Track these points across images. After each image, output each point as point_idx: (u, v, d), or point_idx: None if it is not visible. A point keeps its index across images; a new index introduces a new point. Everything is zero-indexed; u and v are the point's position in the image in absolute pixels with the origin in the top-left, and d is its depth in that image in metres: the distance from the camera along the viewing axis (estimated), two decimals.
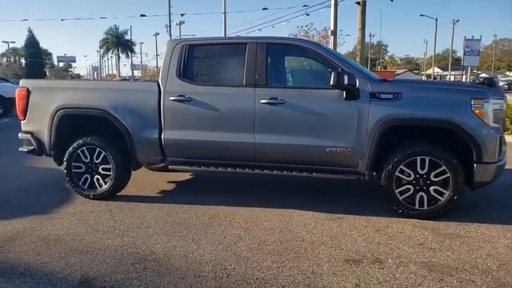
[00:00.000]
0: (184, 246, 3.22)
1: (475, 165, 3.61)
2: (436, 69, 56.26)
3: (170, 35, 40.50)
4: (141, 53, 64.02)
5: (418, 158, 3.70)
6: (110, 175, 4.39)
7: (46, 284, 2.63)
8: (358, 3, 15.85)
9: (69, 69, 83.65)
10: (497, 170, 3.69)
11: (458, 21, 45.11)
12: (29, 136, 4.59)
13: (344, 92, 3.78)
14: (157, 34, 50.29)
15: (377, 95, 3.75)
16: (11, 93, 15.74)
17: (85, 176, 4.48)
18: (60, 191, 4.82)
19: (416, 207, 3.77)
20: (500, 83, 42.93)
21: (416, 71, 67.53)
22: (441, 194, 3.71)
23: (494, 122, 3.63)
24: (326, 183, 5.04)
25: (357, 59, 15.22)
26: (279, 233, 3.49)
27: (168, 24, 40.35)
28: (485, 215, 3.91)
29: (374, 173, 3.93)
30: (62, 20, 28.08)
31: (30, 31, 51.85)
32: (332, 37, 14.93)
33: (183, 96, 4.14)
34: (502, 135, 3.75)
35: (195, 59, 4.29)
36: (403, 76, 47.31)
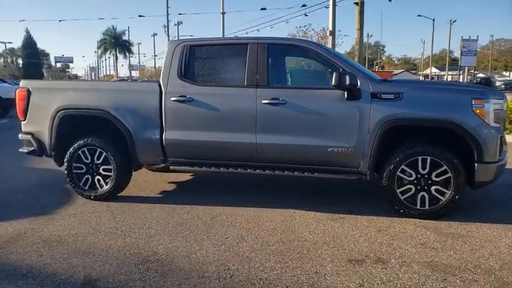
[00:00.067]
0: (186, 246, 3.21)
1: (476, 165, 3.63)
2: (434, 69, 56.51)
3: (168, 36, 40.51)
4: (138, 53, 63.95)
5: (420, 157, 3.71)
6: (110, 176, 4.38)
7: (49, 285, 2.62)
8: (356, 3, 15.88)
9: (67, 70, 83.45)
10: (498, 170, 3.70)
11: (455, 21, 45.31)
12: (29, 137, 4.57)
13: (345, 92, 3.79)
14: (155, 35, 50.49)
15: (378, 95, 3.76)
16: (9, 93, 15.69)
17: (86, 176, 4.46)
18: (60, 192, 4.81)
19: (418, 207, 3.78)
20: (497, 83, 43.10)
21: (413, 71, 67.75)
22: (442, 193, 3.72)
23: (495, 121, 3.64)
24: (327, 183, 5.05)
25: (355, 59, 15.25)
26: (281, 233, 3.49)
27: (166, 25, 40.38)
28: (486, 214, 3.93)
29: (375, 174, 3.94)
30: (60, 21, 27.90)
31: (27, 31, 51.78)
32: (330, 37, 14.96)
33: (184, 96, 4.14)
34: (503, 135, 3.77)
35: (196, 60, 4.29)
36: (401, 76, 47.42)
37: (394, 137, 3.82)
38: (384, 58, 79.98)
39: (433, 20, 44.11)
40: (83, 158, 4.43)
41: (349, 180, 4.06)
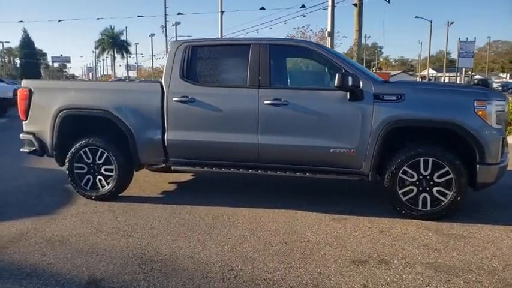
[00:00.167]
0: (189, 247, 3.21)
1: (478, 166, 3.64)
2: (431, 71, 56.68)
3: (166, 36, 40.46)
4: (136, 53, 63.67)
5: (422, 159, 3.72)
6: (112, 176, 4.38)
7: (53, 285, 2.62)
8: (355, 4, 15.92)
9: (64, 70, 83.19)
10: (499, 171, 3.72)
11: (452, 23, 45.45)
12: (30, 137, 4.55)
13: (348, 93, 3.80)
14: (153, 35, 50.07)
15: (380, 96, 3.77)
16: (7, 93, 15.62)
17: (87, 176, 4.45)
18: (61, 192, 4.79)
19: (420, 208, 3.79)
20: (494, 85, 43.30)
21: (411, 73, 67.94)
22: (444, 195, 3.73)
23: (496, 123, 3.66)
24: (328, 184, 5.05)
25: (354, 60, 15.27)
26: (284, 233, 3.50)
27: (164, 25, 40.33)
28: (487, 216, 3.95)
29: (377, 175, 3.95)
30: (59, 21, 27.68)
31: (25, 31, 51.62)
32: (329, 38, 14.97)
33: (187, 97, 4.14)
34: (505, 136, 3.79)
35: (198, 60, 4.29)
36: (398, 77, 47.60)
37: (396, 138, 3.83)
38: (381, 59, 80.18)
39: (431, 22, 44.30)
40: (85, 158, 4.42)
41: (350, 181, 4.08)
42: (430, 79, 49.96)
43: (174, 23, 37.99)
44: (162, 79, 4.30)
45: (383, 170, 3.87)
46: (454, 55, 50.97)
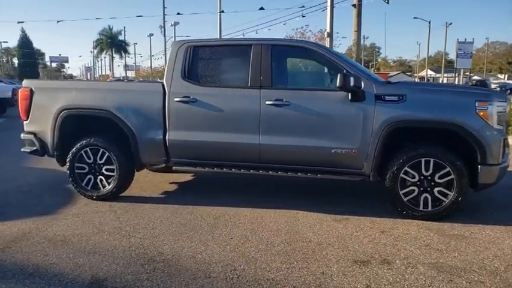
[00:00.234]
0: (192, 247, 3.22)
1: (479, 167, 3.66)
2: (429, 72, 56.78)
3: (164, 36, 40.43)
4: (134, 53, 63.63)
5: (423, 159, 3.74)
6: (113, 176, 4.37)
7: (56, 284, 2.62)
8: (354, 5, 15.95)
9: (62, 70, 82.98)
10: (500, 172, 3.73)
11: (451, 24, 45.64)
12: (31, 136, 4.55)
13: (349, 94, 3.81)
14: (151, 35, 49.99)
15: (382, 96, 3.78)
16: (5, 93, 15.57)
17: (88, 176, 4.45)
18: (61, 192, 4.79)
19: (421, 208, 3.80)
20: (492, 86, 43.42)
21: (409, 73, 68.06)
22: (445, 195, 3.75)
23: (498, 124, 3.68)
24: (328, 184, 5.06)
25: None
26: (285, 234, 3.50)
27: (163, 25, 40.30)
28: (488, 216, 3.96)
29: (378, 175, 3.96)
30: (58, 21, 27.61)
31: (23, 31, 51.51)
32: (328, 39, 14.99)
33: (188, 97, 4.14)
34: (506, 137, 3.80)
35: (199, 60, 4.30)
36: (396, 78, 47.62)
37: (398, 138, 3.85)
38: (379, 60, 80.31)
39: (429, 22, 44.42)
40: (86, 158, 4.42)
41: (351, 181, 4.09)
42: (428, 80, 50.06)
43: (172, 23, 37.99)
44: (163, 79, 4.30)
45: (384, 170, 3.88)
46: (452, 56, 51.14)
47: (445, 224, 3.71)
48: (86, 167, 4.44)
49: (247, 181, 5.31)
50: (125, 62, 60.58)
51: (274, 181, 5.21)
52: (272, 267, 2.87)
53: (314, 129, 3.93)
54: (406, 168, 3.78)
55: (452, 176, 3.69)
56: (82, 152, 4.41)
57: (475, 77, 51.88)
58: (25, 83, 4.65)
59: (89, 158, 4.42)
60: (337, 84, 3.69)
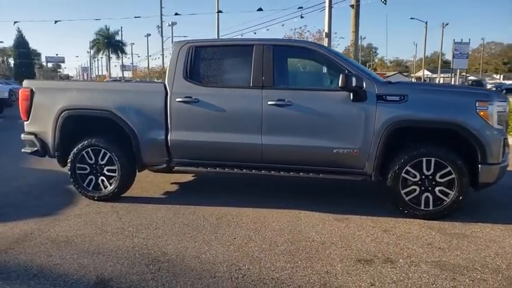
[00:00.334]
0: (195, 247, 3.22)
1: (479, 166, 3.69)
2: (426, 72, 57.04)
3: (162, 36, 40.42)
4: (132, 53, 63.37)
5: (424, 159, 3.76)
6: (115, 176, 4.37)
7: (62, 285, 2.62)
8: (352, 6, 16.02)
9: (58, 70, 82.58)
10: (500, 171, 3.77)
11: (447, 24, 45.85)
12: (32, 137, 4.54)
13: (351, 94, 3.83)
14: (148, 35, 50.03)
15: (383, 96, 3.81)
16: (2, 94, 15.50)
17: (90, 177, 4.44)
18: (62, 193, 4.78)
19: (422, 207, 3.83)
20: (488, 86, 43.68)
21: (405, 74, 68.33)
22: (446, 194, 3.77)
23: (498, 124, 3.71)
24: (329, 184, 5.09)
25: None
26: (288, 233, 3.52)
27: (160, 25, 40.26)
28: (488, 215, 3.99)
29: (379, 175, 3.98)
30: (56, 22, 27.48)
31: (19, 31, 51.19)
32: (326, 39, 15.04)
33: (190, 97, 4.15)
34: (506, 136, 3.84)
35: (201, 61, 4.31)
36: (393, 78, 47.79)
37: (399, 138, 3.87)
38: (376, 60, 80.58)
39: (426, 23, 44.62)
40: (87, 158, 4.42)
41: (352, 181, 4.10)
42: (425, 80, 50.28)
43: (170, 23, 37.93)
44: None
45: (386, 170, 3.90)
46: (448, 56, 51.37)
47: (446, 223, 3.74)
48: (88, 167, 4.43)
49: (248, 181, 5.32)
50: (122, 62, 60.46)
51: (275, 181, 5.23)
52: (276, 266, 2.89)
53: (316, 129, 3.95)
54: (407, 167, 3.80)
55: (453, 176, 3.72)
56: (83, 152, 4.40)
57: (471, 77, 52.19)
58: (25, 83, 4.64)
59: (91, 159, 4.41)
60: (339, 84, 3.71)
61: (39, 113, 4.49)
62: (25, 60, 51.21)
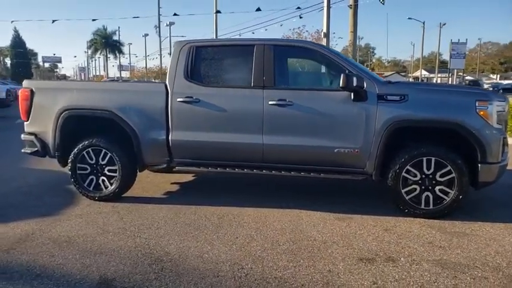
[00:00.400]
0: (198, 246, 3.23)
1: (479, 165, 3.71)
2: (423, 72, 57.20)
3: (159, 36, 40.29)
4: (129, 53, 63.24)
5: (424, 158, 3.79)
6: (116, 176, 4.37)
7: (65, 285, 2.62)
8: (350, 6, 16.05)
9: (55, 70, 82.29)
10: (500, 170, 3.79)
11: (444, 24, 46.00)
12: (32, 137, 4.53)
13: (352, 94, 3.85)
14: (146, 35, 49.86)
15: (384, 96, 3.83)
16: (0, 93, 15.45)
17: (90, 177, 4.44)
18: (62, 193, 4.78)
19: (422, 206, 3.85)
20: (485, 86, 43.87)
21: (403, 73, 68.50)
22: (446, 193, 3.80)
23: (497, 123, 3.74)
24: (329, 184, 5.11)
25: None
26: (290, 232, 3.53)
27: (158, 25, 40.16)
28: (487, 214, 4.02)
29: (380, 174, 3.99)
30: (53, 21, 27.34)
31: (16, 31, 51.01)
32: (325, 39, 15.06)
33: (191, 97, 4.16)
34: (505, 136, 3.87)
35: (202, 61, 4.32)
36: (391, 78, 47.87)
37: (399, 138, 3.89)
38: (374, 60, 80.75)
39: (423, 23, 44.77)
40: (88, 158, 4.41)
41: (353, 180, 4.12)
42: (422, 80, 50.44)
43: (168, 23, 37.83)
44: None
45: (386, 169, 3.92)
46: (445, 56, 51.57)
47: (446, 222, 3.77)
48: (88, 167, 4.43)
49: (248, 181, 5.33)
50: (120, 62, 60.33)
51: (275, 181, 5.24)
52: (279, 265, 2.90)
53: (317, 128, 3.97)
54: (408, 167, 3.82)
55: (453, 175, 3.74)
56: (84, 152, 4.40)
57: (468, 77, 52.39)
58: (25, 83, 4.63)
59: (91, 159, 4.41)
60: (340, 84, 3.73)
61: (39, 113, 4.48)
62: (22, 60, 51.02)
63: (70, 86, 4.73)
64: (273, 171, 4.15)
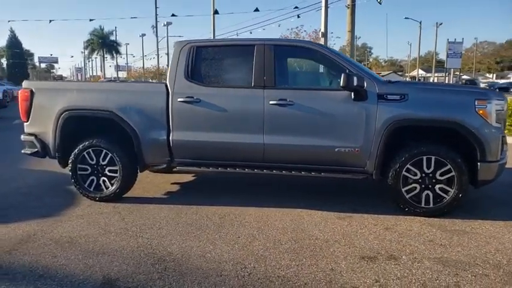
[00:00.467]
0: (200, 246, 3.24)
1: (478, 164, 3.74)
2: (420, 71, 57.42)
3: (157, 36, 40.17)
4: (126, 54, 63.10)
5: (424, 157, 3.81)
6: (116, 177, 4.37)
7: (68, 285, 2.62)
8: (347, 6, 16.09)
9: (52, 71, 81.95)
10: (499, 169, 3.82)
11: (441, 24, 46.16)
12: (32, 138, 4.52)
13: (352, 93, 3.86)
14: (143, 35, 49.74)
15: (384, 96, 3.85)
16: None
17: (91, 178, 4.44)
18: (62, 193, 4.77)
19: (423, 205, 3.88)
20: (482, 85, 44.09)
21: (400, 73, 68.69)
22: (446, 192, 3.82)
23: (496, 122, 3.77)
24: (330, 183, 5.12)
25: None
26: (292, 232, 3.55)
27: (155, 25, 40.08)
28: (486, 212, 4.05)
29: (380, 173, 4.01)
30: (50, 21, 27.29)
31: (12, 31, 50.85)
32: (323, 39, 15.08)
33: (192, 97, 4.16)
34: (504, 134, 3.90)
35: (202, 61, 4.32)
36: (388, 78, 47.96)
37: (400, 137, 3.91)
38: (371, 60, 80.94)
39: (420, 23, 44.91)
40: (88, 159, 4.41)
41: (353, 179, 4.14)
42: (419, 79, 50.60)
43: (165, 23, 37.76)
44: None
45: (386, 168, 3.94)
46: (442, 56, 51.70)
47: (446, 220, 3.79)
48: (89, 168, 4.43)
49: (249, 181, 5.34)
50: (116, 62, 60.17)
51: (275, 181, 5.25)
52: (282, 264, 2.91)
53: (317, 128, 3.98)
54: (408, 166, 3.85)
55: (453, 173, 3.77)
56: (84, 153, 4.39)
57: (465, 77, 52.64)
58: (25, 84, 4.62)
59: (92, 159, 4.41)
60: (341, 84, 3.75)
61: (39, 114, 4.47)
62: (18, 60, 50.79)
63: (70, 87, 4.72)
64: (274, 171, 4.16)
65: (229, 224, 3.74)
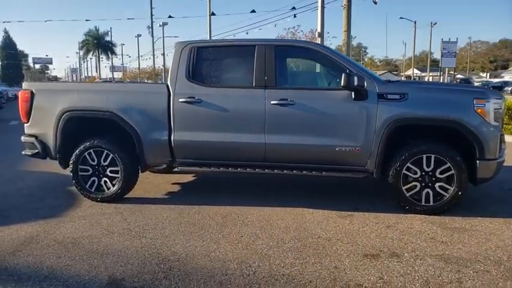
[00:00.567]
0: (204, 245, 3.26)
1: (477, 162, 3.79)
2: (415, 71, 57.72)
3: (152, 37, 40.15)
4: (122, 54, 62.87)
5: (424, 156, 3.86)
6: (118, 177, 4.37)
7: (74, 285, 2.63)
8: (343, 6, 16.15)
9: (46, 71, 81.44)
10: (497, 167, 3.88)
11: (435, 23, 46.44)
12: (32, 139, 4.51)
13: (353, 93, 3.90)
14: (139, 36, 49.58)
15: (384, 95, 3.89)
16: None
17: (92, 178, 4.44)
18: (63, 194, 4.77)
19: (423, 203, 3.92)
20: (475, 84, 44.42)
21: (395, 72, 69.00)
22: (446, 190, 3.87)
23: (494, 120, 3.82)
24: (330, 183, 5.16)
25: None
26: (294, 230, 3.57)
27: (150, 26, 40.00)
28: (485, 209, 4.10)
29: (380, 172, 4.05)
30: (46, 21, 27.26)
31: (6, 32, 50.46)
32: (319, 39, 15.14)
33: (193, 98, 4.18)
34: (502, 133, 3.95)
35: (203, 61, 4.34)
36: (383, 77, 48.12)
37: (400, 136, 3.95)
38: (366, 59, 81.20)
39: (415, 22, 45.15)
40: (89, 160, 4.41)
41: (354, 178, 4.18)
42: (414, 79, 50.85)
43: (161, 23, 37.70)
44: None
45: (387, 167, 3.98)
46: (437, 55, 52.07)
47: (446, 218, 3.84)
48: (90, 169, 4.43)
49: (249, 181, 5.36)
50: (112, 63, 59.91)
51: (276, 180, 5.28)
52: (286, 263, 2.94)
53: (318, 127, 4.01)
54: (408, 164, 3.89)
55: (452, 171, 3.82)
56: (86, 154, 4.39)
57: (459, 76, 53.00)
58: (25, 85, 4.62)
59: (93, 160, 4.41)
60: (342, 84, 3.78)
61: (40, 115, 4.47)
62: (12, 61, 50.42)
63: (71, 88, 4.73)
64: (275, 170, 4.19)
65: (231, 223, 3.76)
